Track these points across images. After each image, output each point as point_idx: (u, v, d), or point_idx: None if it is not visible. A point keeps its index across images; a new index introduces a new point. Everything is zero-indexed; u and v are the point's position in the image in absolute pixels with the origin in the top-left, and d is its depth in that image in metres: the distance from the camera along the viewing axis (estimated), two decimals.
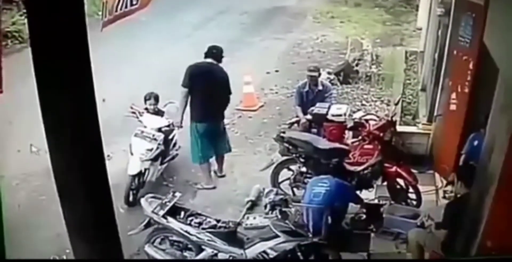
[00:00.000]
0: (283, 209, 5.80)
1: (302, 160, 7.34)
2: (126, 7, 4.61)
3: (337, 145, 7.40)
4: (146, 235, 6.19)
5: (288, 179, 7.61)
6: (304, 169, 7.45)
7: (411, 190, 7.27)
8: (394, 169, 7.18)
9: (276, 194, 5.96)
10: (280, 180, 7.67)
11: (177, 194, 6.28)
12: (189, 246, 6.04)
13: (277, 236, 5.71)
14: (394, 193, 7.33)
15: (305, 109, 8.56)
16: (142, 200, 6.27)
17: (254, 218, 7.13)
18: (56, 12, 2.82)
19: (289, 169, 7.65)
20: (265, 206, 6.01)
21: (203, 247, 5.92)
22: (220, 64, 7.89)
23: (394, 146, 7.61)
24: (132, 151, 7.61)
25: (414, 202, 7.25)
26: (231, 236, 5.93)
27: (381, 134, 7.38)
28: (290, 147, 7.34)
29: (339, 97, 10.89)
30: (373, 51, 13.54)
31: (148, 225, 6.11)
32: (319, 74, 8.82)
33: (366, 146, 7.45)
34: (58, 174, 3.20)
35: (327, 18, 17.78)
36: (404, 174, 7.17)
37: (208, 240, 5.85)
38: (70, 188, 3.22)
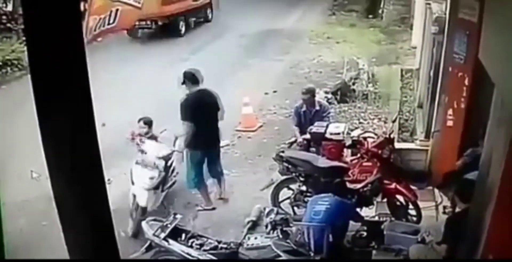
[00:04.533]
0: (284, 229, 5.81)
1: (301, 178, 7.36)
2: (103, 26, 4.75)
3: (336, 163, 7.43)
4: (148, 258, 6.18)
5: (289, 198, 7.62)
6: (304, 188, 7.47)
7: (410, 206, 7.28)
8: (393, 185, 7.19)
9: (277, 213, 5.97)
10: (280, 199, 7.68)
11: (178, 216, 6.29)
12: None
13: (278, 256, 5.70)
14: (394, 210, 7.33)
15: (304, 129, 8.61)
16: (143, 223, 6.27)
17: (256, 238, 7.07)
18: (55, 39, 2.86)
19: (289, 188, 7.66)
20: (266, 226, 6.02)
21: None
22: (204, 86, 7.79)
23: (392, 162, 7.65)
24: (134, 179, 7.51)
25: (414, 218, 7.24)
26: (233, 257, 5.92)
27: (380, 151, 7.42)
28: (290, 166, 7.36)
29: (337, 116, 10.95)
30: (369, 70, 13.65)
31: (149, 248, 6.10)
32: (313, 96, 8.85)
33: (365, 164, 7.49)
34: (59, 199, 3.21)
35: (323, 39, 17.95)
36: (403, 190, 7.18)
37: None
38: (71, 213, 3.23)
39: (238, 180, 8.92)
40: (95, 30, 4.67)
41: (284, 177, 7.56)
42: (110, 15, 4.82)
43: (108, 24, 4.85)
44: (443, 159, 7.83)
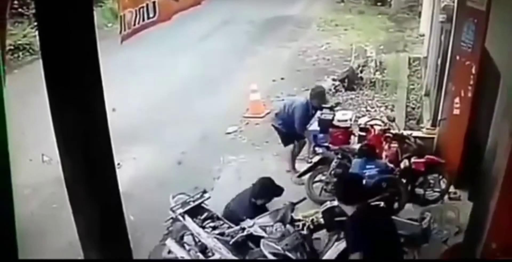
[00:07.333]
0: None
1: (339, 156, 7.54)
2: (143, 20, 4.62)
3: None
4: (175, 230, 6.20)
5: (321, 180, 7.71)
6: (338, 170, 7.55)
7: None
8: None
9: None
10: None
11: (206, 195, 6.28)
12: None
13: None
14: None
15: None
16: (170, 197, 6.31)
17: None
18: (67, 24, 2.91)
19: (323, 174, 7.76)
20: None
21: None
22: None
23: None
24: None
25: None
26: (237, 245, 5.92)
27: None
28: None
29: (344, 104, 10.99)
30: (377, 57, 13.58)
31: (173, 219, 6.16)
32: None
33: None
34: (69, 182, 3.28)
35: (331, 26, 17.88)
36: None
37: (215, 245, 5.89)
38: (82, 196, 3.30)
39: (245, 165, 8.97)
40: (134, 24, 4.51)
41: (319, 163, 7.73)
42: (147, 8, 4.66)
43: (148, 18, 4.68)
44: (449, 147, 7.86)
